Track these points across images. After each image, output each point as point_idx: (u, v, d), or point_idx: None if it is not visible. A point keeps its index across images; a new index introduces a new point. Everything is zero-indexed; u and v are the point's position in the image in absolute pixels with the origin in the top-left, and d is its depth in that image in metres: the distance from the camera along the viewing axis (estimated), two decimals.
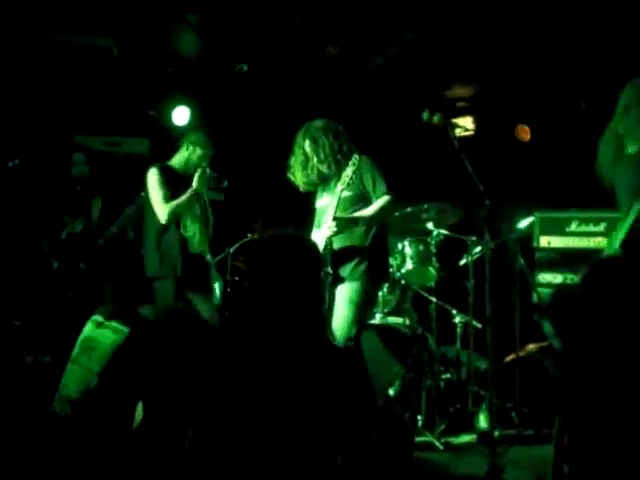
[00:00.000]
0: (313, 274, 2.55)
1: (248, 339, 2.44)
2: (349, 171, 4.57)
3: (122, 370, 3.36)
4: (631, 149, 4.19)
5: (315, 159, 4.78)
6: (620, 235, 4.01)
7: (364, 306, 4.69)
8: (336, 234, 4.58)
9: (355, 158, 4.58)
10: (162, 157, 6.14)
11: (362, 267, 4.65)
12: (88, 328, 3.52)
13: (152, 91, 7.06)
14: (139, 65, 6.84)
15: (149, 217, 5.19)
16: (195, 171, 5.20)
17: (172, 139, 7.04)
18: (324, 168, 4.78)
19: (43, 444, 3.38)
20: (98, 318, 3.53)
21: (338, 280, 4.63)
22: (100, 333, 3.46)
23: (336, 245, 4.62)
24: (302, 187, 4.95)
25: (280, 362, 2.37)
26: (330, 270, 4.57)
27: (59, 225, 6.26)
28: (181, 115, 6.94)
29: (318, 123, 4.87)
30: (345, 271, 4.64)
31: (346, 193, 4.62)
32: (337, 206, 4.58)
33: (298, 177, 4.90)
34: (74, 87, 6.91)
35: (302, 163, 4.85)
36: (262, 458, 2.30)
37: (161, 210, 5.06)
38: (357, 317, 4.60)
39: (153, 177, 5.15)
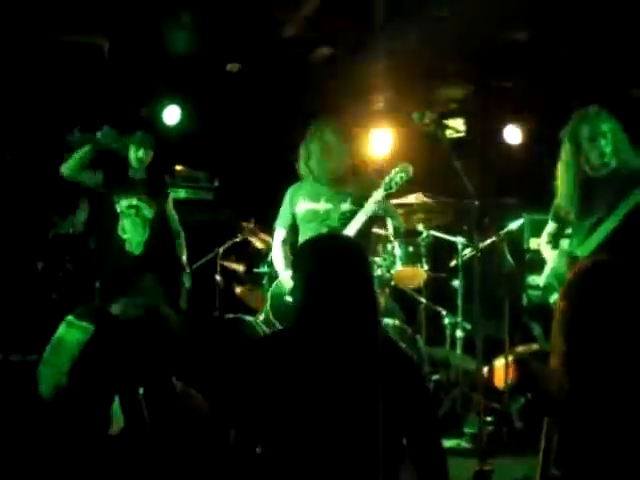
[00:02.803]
0: (367, 274, 2.50)
1: (304, 346, 2.37)
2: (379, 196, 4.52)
3: (91, 368, 3.35)
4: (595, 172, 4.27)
5: (338, 156, 4.69)
6: (598, 237, 4.12)
7: None
8: None
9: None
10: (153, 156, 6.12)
11: None
12: (60, 329, 3.52)
13: (143, 90, 7.03)
14: (130, 63, 6.81)
15: None
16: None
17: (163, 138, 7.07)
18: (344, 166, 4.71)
19: (25, 442, 3.37)
20: (70, 318, 3.53)
21: None
22: (69, 332, 3.46)
23: None
24: (305, 176, 4.84)
25: (343, 366, 2.32)
26: None
27: (46, 224, 6.25)
28: (172, 114, 6.92)
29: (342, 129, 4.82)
30: None
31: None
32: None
33: (314, 166, 4.77)
34: (64, 85, 6.87)
35: (322, 155, 4.71)
36: (330, 458, 2.27)
37: None
38: None
39: None
